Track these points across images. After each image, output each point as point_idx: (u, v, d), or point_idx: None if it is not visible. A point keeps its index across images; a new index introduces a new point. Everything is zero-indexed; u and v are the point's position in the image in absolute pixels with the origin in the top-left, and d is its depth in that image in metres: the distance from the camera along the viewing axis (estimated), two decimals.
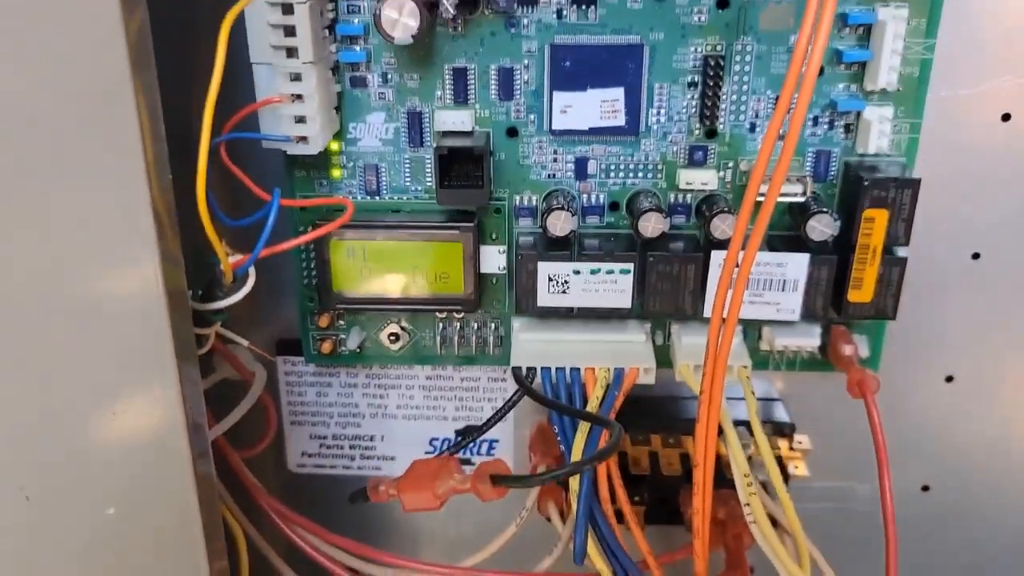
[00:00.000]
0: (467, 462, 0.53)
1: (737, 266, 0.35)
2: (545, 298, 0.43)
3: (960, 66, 0.43)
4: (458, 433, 0.52)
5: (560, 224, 0.41)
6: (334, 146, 0.43)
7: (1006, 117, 0.45)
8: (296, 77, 0.38)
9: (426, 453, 0.53)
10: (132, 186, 0.29)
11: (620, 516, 0.44)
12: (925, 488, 0.54)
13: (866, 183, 0.40)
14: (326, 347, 0.47)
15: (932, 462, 0.53)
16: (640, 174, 0.43)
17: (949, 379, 0.51)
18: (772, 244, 0.43)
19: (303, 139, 0.39)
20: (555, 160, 0.43)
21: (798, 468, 0.49)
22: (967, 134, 0.45)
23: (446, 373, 0.51)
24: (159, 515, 0.35)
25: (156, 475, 0.34)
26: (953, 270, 0.48)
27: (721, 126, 0.42)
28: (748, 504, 0.41)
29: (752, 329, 0.46)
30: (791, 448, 0.49)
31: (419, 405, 0.52)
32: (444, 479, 0.35)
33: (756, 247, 0.35)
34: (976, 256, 0.48)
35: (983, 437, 0.52)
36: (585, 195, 0.44)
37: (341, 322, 0.47)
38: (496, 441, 0.53)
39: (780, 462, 0.49)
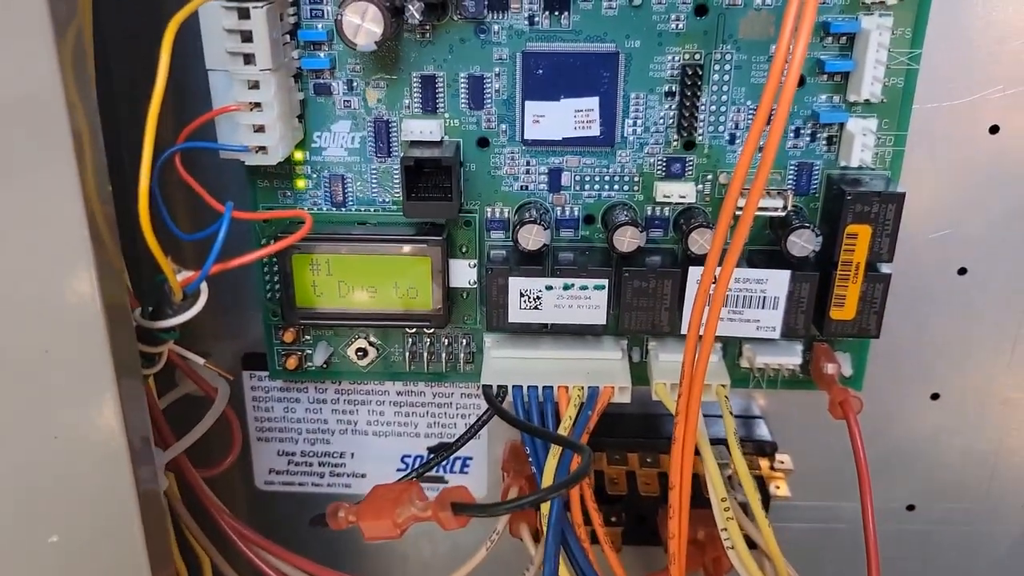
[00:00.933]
0: (440, 479, 0.52)
1: (714, 282, 0.34)
2: (517, 314, 0.41)
3: (947, 77, 0.42)
4: (430, 450, 0.51)
5: (532, 238, 0.40)
6: (298, 156, 0.41)
7: (994, 129, 0.43)
8: (254, 85, 0.36)
9: (397, 471, 0.52)
10: (65, 196, 0.28)
11: (595, 537, 0.42)
12: (910, 507, 0.53)
13: (849, 197, 0.39)
14: (291, 363, 0.45)
15: (918, 481, 0.52)
16: (616, 186, 0.42)
17: (935, 396, 0.50)
18: (752, 259, 0.41)
19: (262, 149, 0.37)
20: (528, 171, 0.41)
21: (779, 488, 0.47)
22: (953, 147, 0.44)
23: (418, 389, 0.49)
24: (103, 539, 0.33)
25: (99, 497, 0.33)
26: (939, 286, 0.47)
27: (700, 137, 0.40)
28: (726, 529, 0.39)
29: (732, 346, 0.45)
30: (772, 468, 0.48)
31: (390, 421, 0.50)
32: (405, 506, 0.33)
33: (733, 263, 0.34)
34: (963, 271, 0.46)
35: (969, 455, 0.51)
36: (559, 207, 0.42)
37: (307, 337, 0.45)
38: (470, 459, 0.51)
39: (761, 482, 0.47)
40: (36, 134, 0.27)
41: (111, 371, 0.29)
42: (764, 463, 0.48)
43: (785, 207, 0.40)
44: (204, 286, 0.33)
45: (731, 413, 0.41)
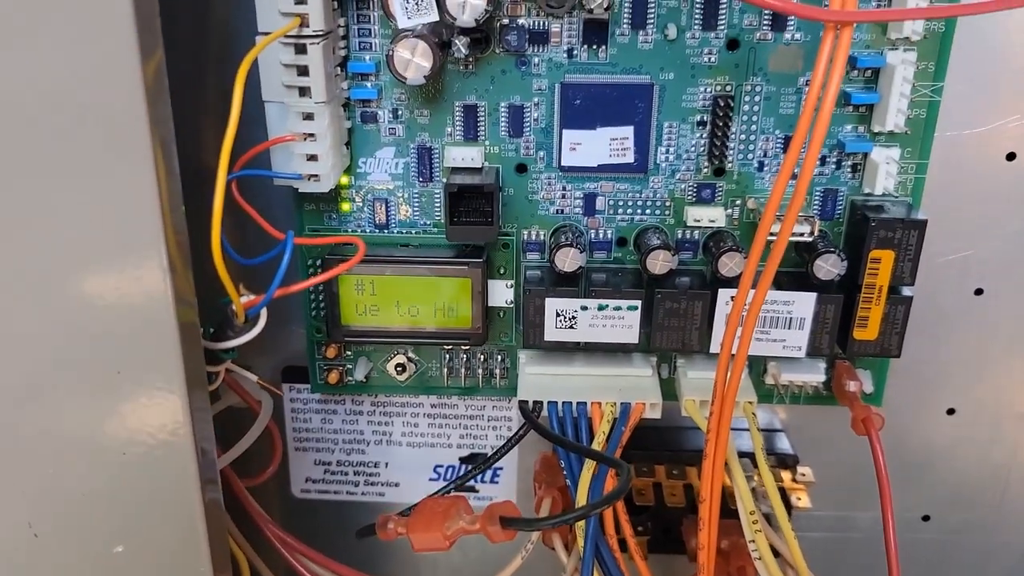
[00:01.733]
0: (471, 489, 0.54)
1: (746, 306, 0.36)
2: (552, 333, 0.43)
3: (966, 106, 0.44)
4: (463, 461, 0.53)
5: (568, 260, 0.42)
6: (344, 180, 0.43)
7: (1011, 156, 0.45)
8: (308, 116, 0.38)
9: (430, 480, 0.53)
10: (146, 223, 0.30)
11: (624, 545, 0.44)
12: (926, 518, 0.55)
13: (873, 224, 0.40)
14: (333, 377, 0.47)
15: (933, 492, 0.54)
16: (648, 210, 0.43)
17: (951, 412, 0.51)
18: (778, 281, 0.43)
19: (314, 177, 0.39)
20: (563, 196, 0.43)
21: (801, 500, 0.49)
22: (972, 173, 0.45)
23: (451, 402, 0.51)
24: (167, 546, 0.35)
25: (165, 504, 0.34)
26: (956, 305, 0.48)
27: (729, 165, 0.42)
28: (753, 541, 0.41)
29: (757, 363, 0.46)
30: (794, 480, 0.49)
31: (424, 433, 0.52)
32: (453, 519, 0.35)
33: (767, 288, 0.35)
34: (979, 292, 0.48)
35: (984, 469, 0.53)
36: (593, 230, 0.44)
37: (348, 353, 0.47)
38: (500, 469, 0.53)
39: (783, 493, 0.49)
40: (121, 162, 0.29)
41: (183, 387, 0.31)
42: (786, 475, 0.49)
43: (812, 232, 0.41)
44: (264, 311, 0.35)
45: (758, 429, 0.42)
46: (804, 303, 0.42)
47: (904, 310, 0.42)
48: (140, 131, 0.29)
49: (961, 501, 0.54)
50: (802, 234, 0.41)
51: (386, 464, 0.53)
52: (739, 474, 0.41)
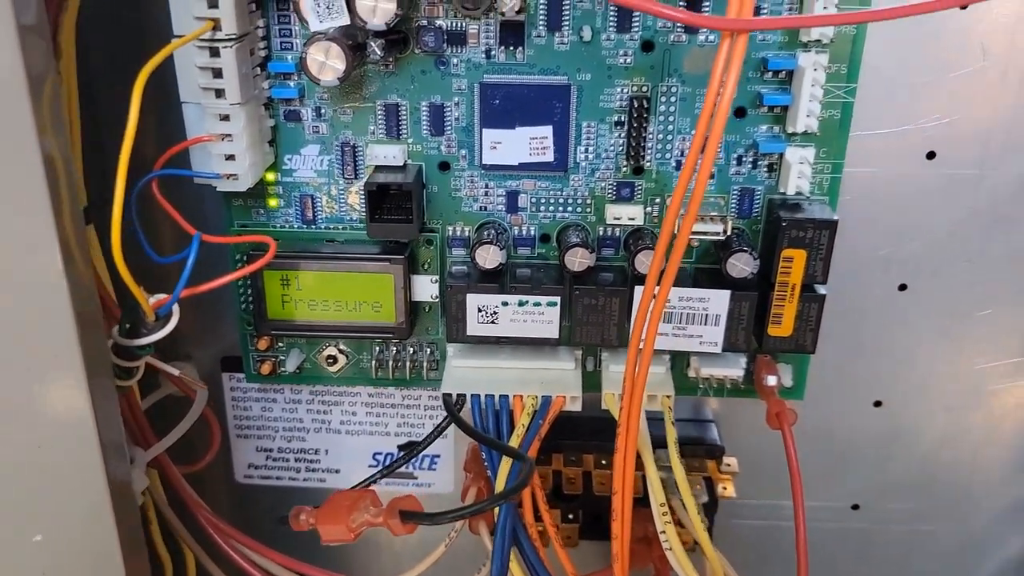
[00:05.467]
0: (410, 475, 0.55)
1: (654, 298, 0.36)
2: (475, 327, 0.44)
3: (884, 106, 0.45)
4: (400, 448, 0.54)
5: (488, 257, 0.42)
6: (270, 177, 0.44)
7: (931, 155, 0.46)
8: (225, 117, 0.38)
9: (369, 466, 0.55)
10: (42, 223, 0.31)
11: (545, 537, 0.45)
12: (855, 507, 0.56)
13: (784, 224, 0.41)
14: (265, 368, 0.48)
15: (862, 482, 0.55)
16: (570, 208, 0.44)
17: (878, 404, 0.53)
18: (697, 279, 0.44)
19: (232, 176, 0.40)
20: (486, 193, 0.44)
21: (726, 489, 0.50)
22: (893, 172, 0.46)
23: (388, 391, 0.52)
24: (80, 532, 0.36)
25: (75, 491, 0.36)
26: (881, 300, 0.49)
27: (647, 164, 0.43)
28: (664, 532, 0.42)
29: (680, 357, 0.47)
30: (720, 470, 0.50)
31: (362, 421, 0.53)
32: (359, 512, 0.36)
33: (669, 284, 0.36)
34: (903, 287, 0.49)
35: (910, 459, 0.54)
36: (517, 227, 0.45)
37: (280, 344, 0.48)
38: (438, 456, 0.54)
39: (709, 483, 0.50)
40: (12, 173, 0.30)
41: (83, 375, 0.32)
42: (712, 465, 0.50)
43: (725, 231, 0.42)
44: (176, 308, 0.36)
45: (672, 423, 0.43)
46: (719, 300, 0.43)
47: (817, 308, 0.43)
48: (27, 136, 0.30)
49: (889, 491, 0.55)
50: (716, 233, 0.42)
51: (326, 451, 0.54)
52: (651, 465, 0.42)
